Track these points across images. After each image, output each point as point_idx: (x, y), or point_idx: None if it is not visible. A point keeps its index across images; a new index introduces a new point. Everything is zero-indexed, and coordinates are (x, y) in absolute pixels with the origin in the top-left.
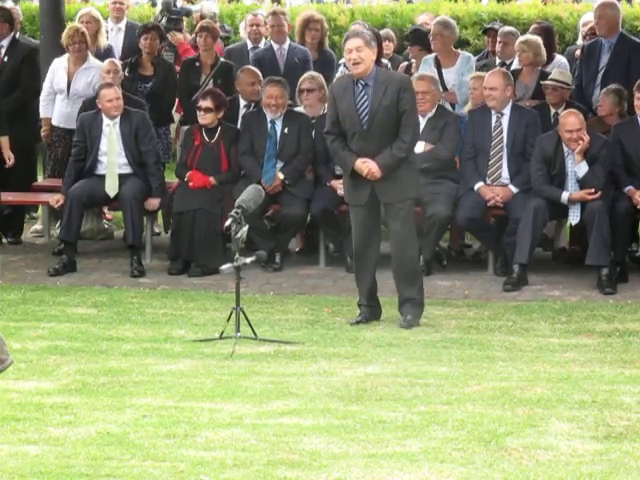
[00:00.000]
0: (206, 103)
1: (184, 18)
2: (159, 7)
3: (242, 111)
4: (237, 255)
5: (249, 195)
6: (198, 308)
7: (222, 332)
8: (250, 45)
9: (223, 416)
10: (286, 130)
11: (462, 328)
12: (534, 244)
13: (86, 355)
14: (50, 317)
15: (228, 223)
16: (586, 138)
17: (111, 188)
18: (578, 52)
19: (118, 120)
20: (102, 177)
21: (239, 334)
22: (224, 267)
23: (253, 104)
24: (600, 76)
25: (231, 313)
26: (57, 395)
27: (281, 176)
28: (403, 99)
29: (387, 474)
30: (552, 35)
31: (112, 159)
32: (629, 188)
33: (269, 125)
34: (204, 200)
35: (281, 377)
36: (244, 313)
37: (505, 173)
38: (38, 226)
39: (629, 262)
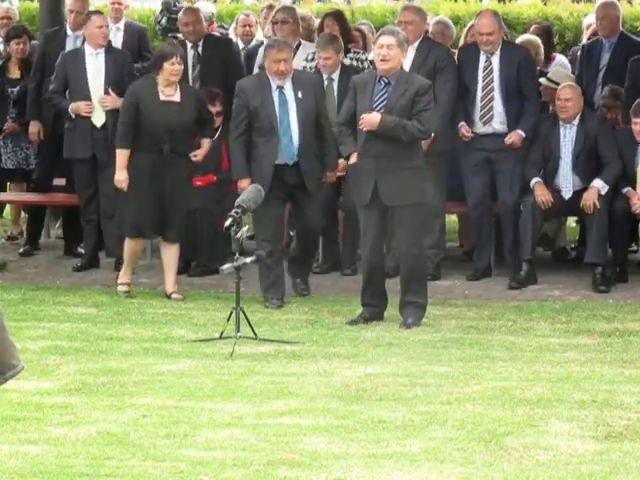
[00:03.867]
0: (217, 109)
1: None
2: (159, 7)
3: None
4: (237, 255)
5: (249, 195)
6: (198, 308)
7: (222, 332)
8: (241, 45)
9: (223, 416)
10: (300, 94)
11: (462, 328)
12: (535, 239)
13: (86, 355)
14: (50, 317)
15: (228, 223)
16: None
17: (98, 119)
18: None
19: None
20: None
21: (239, 334)
22: (224, 267)
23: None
24: (601, 75)
25: (231, 313)
26: (57, 395)
27: (353, 159)
28: (419, 102)
29: (387, 474)
30: (551, 35)
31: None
32: (627, 189)
33: (276, 92)
34: (205, 200)
35: (281, 377)
36: (244, 313)
37: (498, 117)
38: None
39: (629, 261)
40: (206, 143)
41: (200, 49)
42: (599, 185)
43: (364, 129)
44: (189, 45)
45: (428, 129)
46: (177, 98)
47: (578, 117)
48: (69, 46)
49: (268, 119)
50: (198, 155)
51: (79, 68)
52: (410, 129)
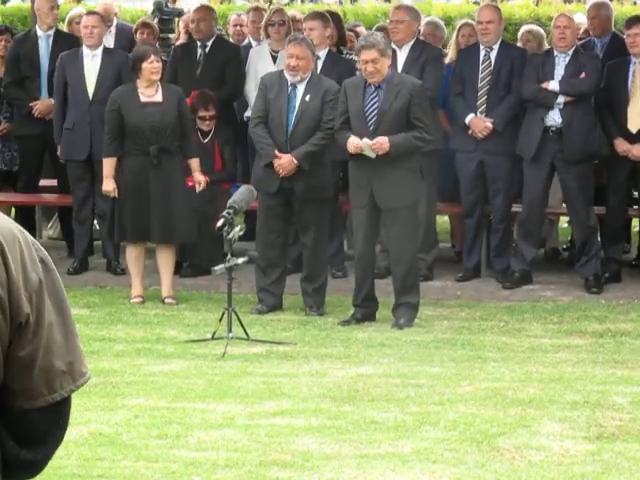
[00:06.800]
0: (210, 113)
1: (176, 19)
2: (151, 8)
3: None
4: (229, 256)
5: (241, 195)
6: (190, 309)
7: (214, 333)
8: None
9: (215, 417)
10: (307, 97)
11: (454, 328)
12: (534, 242)
13: None
14: None
15: (220, 224)
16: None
17: None
18: None
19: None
20: None
21: (231, 334)
22: (216, 268)
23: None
24: None
25: (223, 313)
26: None
27: (295, 161)
28: (415, 106)
29: (379, 475)
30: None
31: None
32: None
33: (289, 89)
34: (197, 200)
35: (273, 378)
36: (236, 314)
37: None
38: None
39: (622, 262)
40: (194, 164)
41: (207, 49)
42: (553, 85)
43: (379, 152)
44: (198, 44)
45: (431, 135)
46: (159, 98)
47: (572, 50)
48: (42, 47)
49: (278, 112)
50: (202, 184)
51: (77, 69)
52: (420, 139)
